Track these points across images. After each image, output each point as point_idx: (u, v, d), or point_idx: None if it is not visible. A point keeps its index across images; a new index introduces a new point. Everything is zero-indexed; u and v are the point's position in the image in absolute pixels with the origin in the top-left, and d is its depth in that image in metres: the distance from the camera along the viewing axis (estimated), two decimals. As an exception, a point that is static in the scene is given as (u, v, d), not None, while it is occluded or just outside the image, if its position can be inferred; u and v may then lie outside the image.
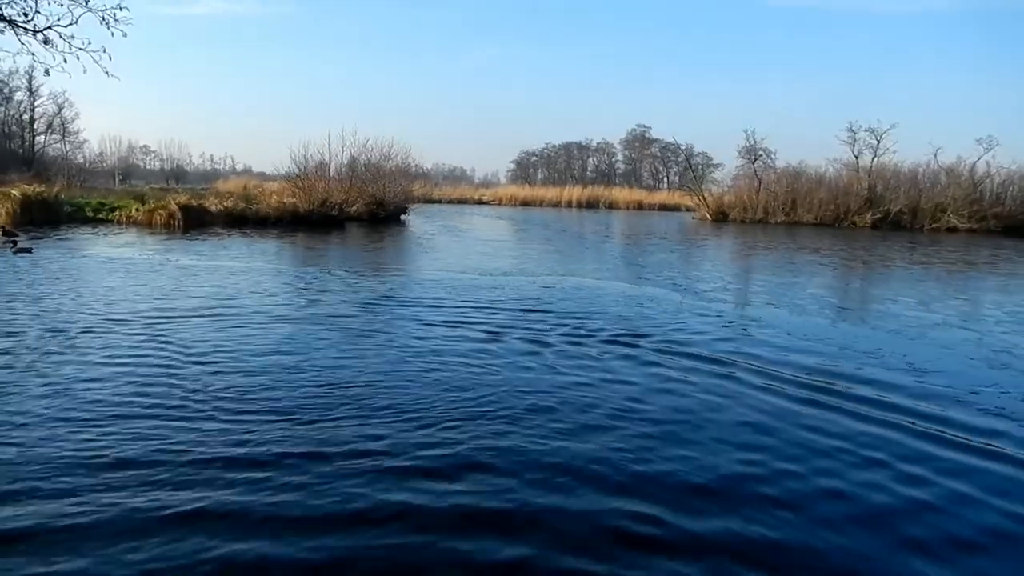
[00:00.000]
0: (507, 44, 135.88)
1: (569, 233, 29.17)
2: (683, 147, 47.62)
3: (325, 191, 29.64)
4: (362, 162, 31.81)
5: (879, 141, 45.16)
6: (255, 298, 10.03)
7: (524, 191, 75.04)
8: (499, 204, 70.16)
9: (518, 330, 8.38)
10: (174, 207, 26.09)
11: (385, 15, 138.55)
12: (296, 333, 7.89)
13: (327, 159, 30.41)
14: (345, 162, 31.16)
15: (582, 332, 8.40)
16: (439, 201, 69.81)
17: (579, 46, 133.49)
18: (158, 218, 25.97)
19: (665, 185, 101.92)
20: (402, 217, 36.40)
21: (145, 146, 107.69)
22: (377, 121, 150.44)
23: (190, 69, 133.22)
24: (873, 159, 45.61)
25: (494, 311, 9.62)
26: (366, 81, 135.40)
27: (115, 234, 22.04)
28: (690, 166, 48.70)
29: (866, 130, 45.65)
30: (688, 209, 67.61)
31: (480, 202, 72.20)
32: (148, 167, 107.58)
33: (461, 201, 71.88)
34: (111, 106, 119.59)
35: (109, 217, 27.81)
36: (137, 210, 27.18)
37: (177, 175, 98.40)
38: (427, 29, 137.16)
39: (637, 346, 7.77)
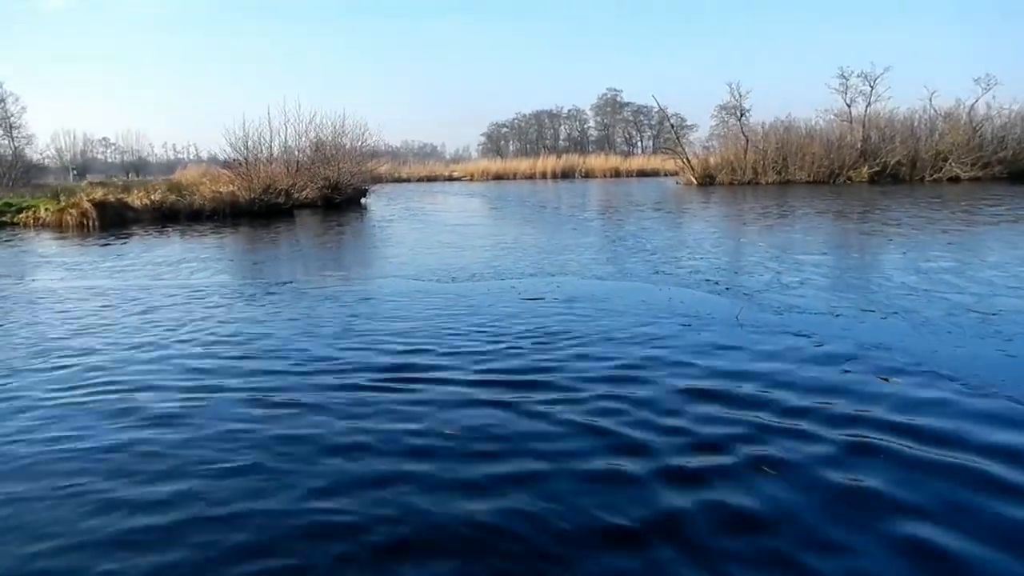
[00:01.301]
0: (471, 12, 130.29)
1: (548, 210, 25.33)
2: (662, 108, 43.33)
3: (268, 176, 25.55)
4: (308, 140, 27.58)
5: (872, 87, 41.62)
6: (86, 340, 6.19)
7: (496, 164, 70.96)
8: (471, 180, 66.09)
9: (516, 412, 4.57)
10: (86, 205, 21.95)
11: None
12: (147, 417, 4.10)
13: (269, 139, 26.21)
14: (291, 142, 26.96)
15: (632, 406, 4.60)
16: (408, 180, 65.69)
17: (542, 12, 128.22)
18: (69, 218, 21.86)
19: (639, 150, 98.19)
20: (362, 201, 32.38)
21: (104, 138, 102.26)
22: (341, 100, 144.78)
23: (148, 57, 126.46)
24: (867, 107, 42.00)
25: (460, 361, 5.78)
26: (328, 59, 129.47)
27: (5, 241, 17.93)
28: (671, 127, 44.61)
29: (858, 75, 42.01)
30: (669, 173, 64.03)
31: (451, 178, 68.12)
32: (110, 160, 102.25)
33: (431, 179, 67.73)
34: (68, 99, 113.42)
35: (15, 220, 23.64)
36: (47, 210, 23.03)
37: (137, 167, 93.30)
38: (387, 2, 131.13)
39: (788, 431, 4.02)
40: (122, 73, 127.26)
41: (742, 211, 22.48)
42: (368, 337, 6.59)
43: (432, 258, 12.50)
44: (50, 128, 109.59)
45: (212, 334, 6.87)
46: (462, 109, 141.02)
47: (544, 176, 65.36)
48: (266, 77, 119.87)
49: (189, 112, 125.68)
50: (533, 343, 6.24)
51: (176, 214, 23.69)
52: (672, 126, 44.57)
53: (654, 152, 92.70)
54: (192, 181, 27.06)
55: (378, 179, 64.47)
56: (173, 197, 24.39)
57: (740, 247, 13.04)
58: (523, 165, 68.65)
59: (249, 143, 25.51)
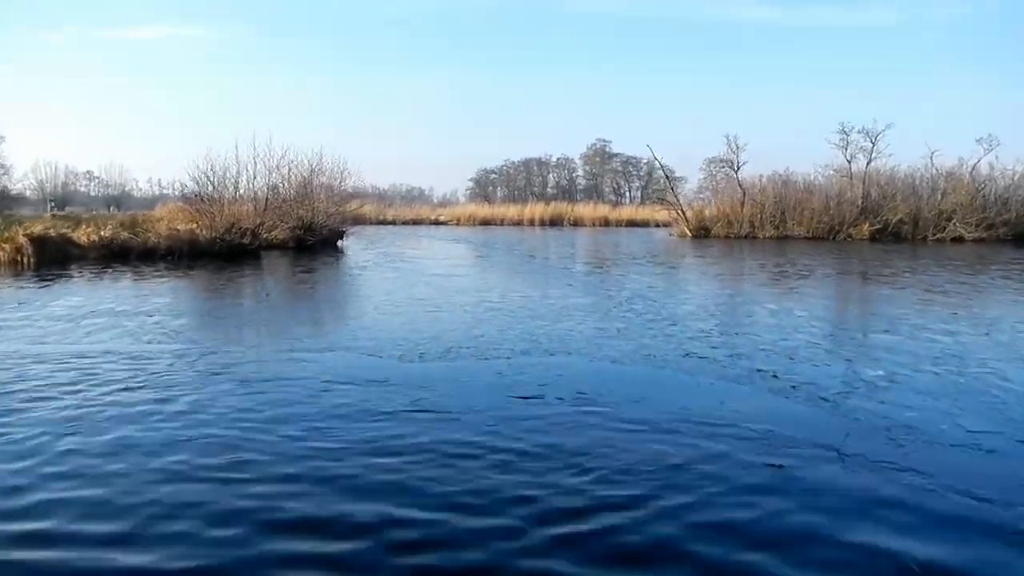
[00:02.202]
0: (464, 63, 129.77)
1: (538, 260, 22.98)
2: (657, 158, 41.52)
3: (233, 214, 23.08)
4: (280, 177, 25.19)
5: (874, 143, 39.97)
6: None
7: (483, 210, 68.96)
8: (457, 224, 63.90)
9: None
10: (22, 240, 19.38)
11: (340, 35, 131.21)
12: None
13: (235, 173, 23.80)
14: (259, 179, 24.57)
15: None
16: (393, 222, 63.46)
17: (536, 63, 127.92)
18: (1, 254, 19.26)
19: (628, 200, 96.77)
20: (339, 243, 29.93)
21: (88, 171, 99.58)
22: (330, 141, 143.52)
23: (139, 95, 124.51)
24: (868, 163, 40.30)
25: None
26: (321, 104, 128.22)
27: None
28: (665, 176, 42.75)
29: (859, 131, 40.36)
30: (659, 224, 62.19)
31: (437, 222, 65.88)
32: (93, 193, 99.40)
33: (417, 222, 65.50)
34: (50, 131, 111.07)
35: (-52, 254, 21.00)
36: (-21, 245, 20.43)
37: (119, 201, 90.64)
38: (383, 52, 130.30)
39: None
40: (111, 105, 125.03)
41: (753, 268, 20.24)
42: (249, 478, 4.09)
43: (400, 321, 10.03)
44: (32, 158, 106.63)
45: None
46: (451, 157, 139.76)
47: (532, 223, 63.33)
48: (256, 115, 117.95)
49: (177, 147, 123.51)
50: (535, 496, 3.76)
51: (127, 253, 21.15)
52: (666, 176, 42.64)
53: (642, 202, 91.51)
54: (150, 218, 24.54)
55: (360, 220, 62.37)
56: (125, 234, 21.85)
57: (778, 318, 10.64)
58: (511, 211, 66.67)
59: (213, 177, 23.06)
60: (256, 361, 7.31)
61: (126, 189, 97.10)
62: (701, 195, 55.07)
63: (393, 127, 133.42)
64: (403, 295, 12.98)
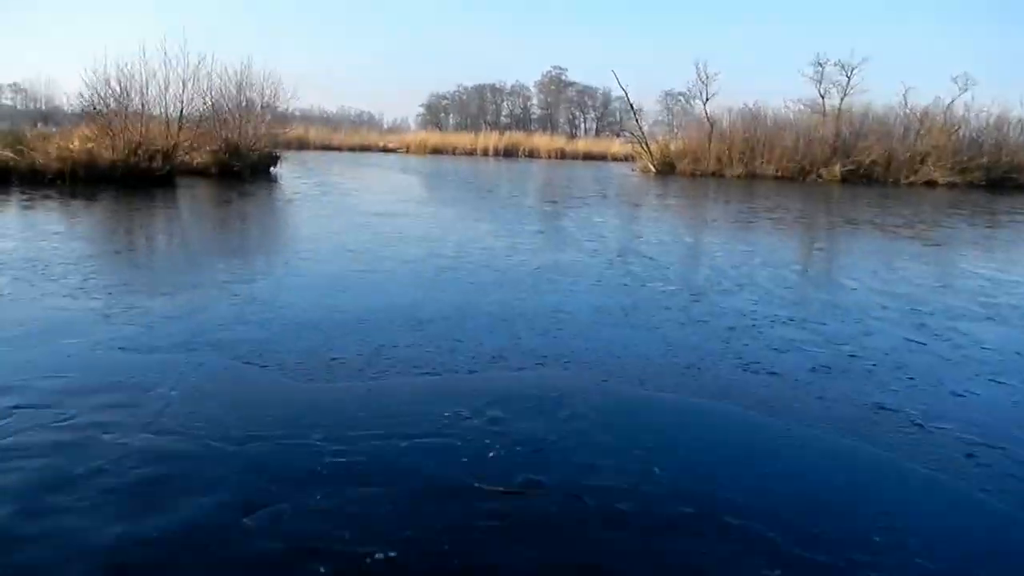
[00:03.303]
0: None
1: (497, 197, 19.91)
2: (622, 86, 38.25)
3: (141, 133, 19.36)
4: (197, 90, 21.32)
5: (849, 77, 37.32)
6: None
7: (435, 137, 64.79)
8: (407, 152, 59.90)
9: None
10: None
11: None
12: None
13: (143, 82, 19.88)
14: (173, 93, 20.68)
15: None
16: (339, 149, 59.16)
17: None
18: None
19: (582, 132, 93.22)
20: (272, 170, 26.29)
21: (14, 83, 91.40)
22: (270, 61, 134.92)
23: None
24: (841, 99, 37.74)
25: None
26: (262, 12, 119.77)
27: None
28: (632, 108, 39.58)
29: (835, 64, 37.62)
30: (616, 158, 59.37)
31: (386, 149, 61.67)
32: (20, 107, 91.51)
33: (365, 148, 61.12)
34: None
35: None
36: None
37: (46, 116, 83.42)
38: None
39: None
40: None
41: (747, 213, 17.57)
42: None
43: (316, 294, 7.04)
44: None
45: None
46: (402, 81, 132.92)
47: (486, 153, 59.66)
48: (201, 32, 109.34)
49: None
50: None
51: (7, 176, 17.48)
52: (631, 106, 39.42)
53: (597, 134, 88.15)
54: (43, 135, 20.57)
55: (304, 146, 58.21)
56: (8, 153, 18.09)
57: (839, 291, 7.98)
58: (463, 140, 62.70)
59: (115, 85, 19.17)
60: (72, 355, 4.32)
61: (56, 104, 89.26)
62: (655, 128, 52.21)
63: (340, 45, 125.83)
64: (330, 245, 9.92)
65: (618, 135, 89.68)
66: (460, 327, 5.81)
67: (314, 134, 60.84)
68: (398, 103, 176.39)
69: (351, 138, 64.15)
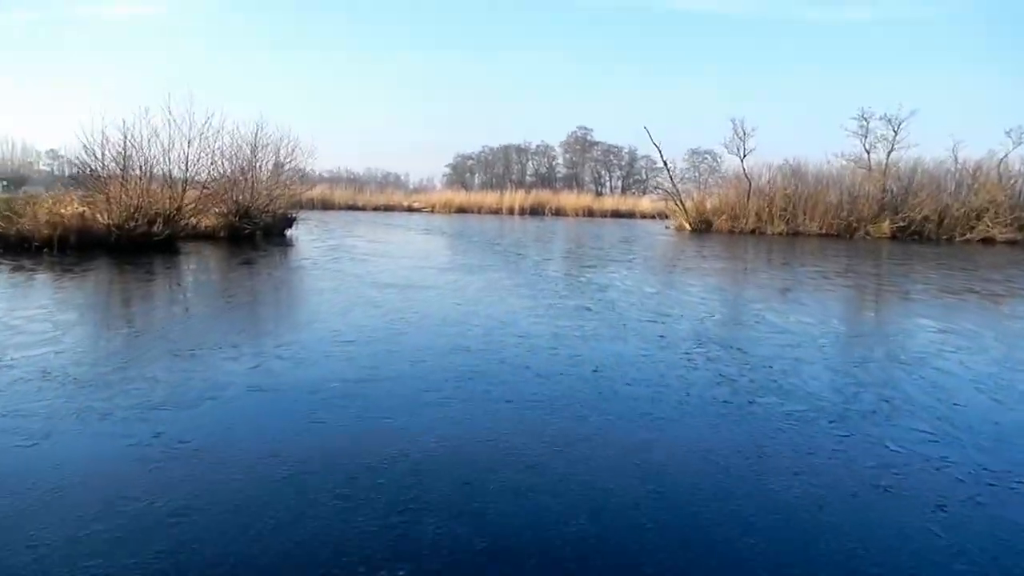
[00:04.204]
0: (437, 45, 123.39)
1: (526, 260, 17.66)
2: (655, 143, 36.21)
3: (140, 196, 17.50)
4: (205, 151, 19.52)
5: (896, 131, 35.00)
6: None
7: (460, 197, 63.38)
8: (432, 211, 58.36)
9: None
10: None
11: (303, 18, 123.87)
12: None
13: (144, 143, 18.07)
14: (178, 153, 18.88)
15: None
16: (363, 208, 57.78)
17: (514, 48, 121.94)
18: None
19: (608, 190, 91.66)
20: (288, 232, 24.44)
21: (52, 150, 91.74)
22: (298, 126, 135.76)
23: (112, 72, 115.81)
24: (889, 153, 35.41)
25: None
26: (293, 83, 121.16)
27: None
28: (665, 165, 37.56)
29: (880, 118, 35.42)
30: (645, 216, 57.38)
31: (411, 209, 60.24)
32: (57, 172, 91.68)
33: (389, 208, 59.70)
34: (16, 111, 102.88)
35: None
36: None
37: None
38: (357, 28, 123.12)
39: None
40: (81, 87, 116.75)
41: (819, 278, 15.12)
42: None
43: (284, 423, 4.73)
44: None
45: None
46: (429, 140, 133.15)
47: (511, 212, 58.00)
48: (219, 93, 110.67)
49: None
50: None
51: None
52: (665, 162, 37.40)
53: (623, 192, 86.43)
54: (33, 199, 18.79)
55: (328, 206, 56.89)
56: (-7, 221, 16.30)
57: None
58: (489, 199, 61.16)
59: (109, 147, 17.38)
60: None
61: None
62: (682, 186, 49.99)
63: (367, 110, 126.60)
64: (323, 334, 7.64)
65: (644, 192, 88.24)
66: (494, 447, 3.48)
67: (339, 194, 59.64)
68: (424, 163, 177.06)
69: (376, 198, 62.84)
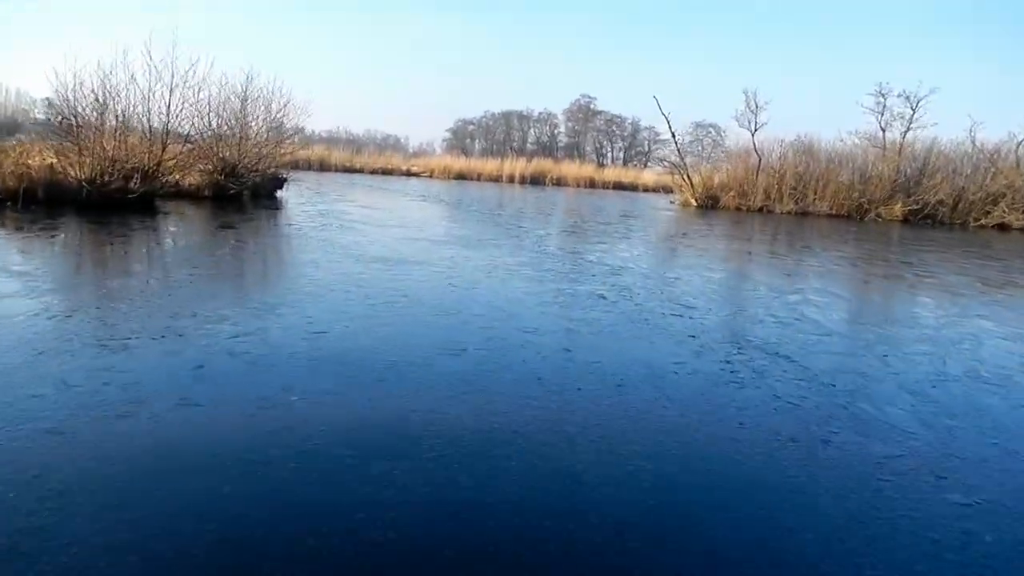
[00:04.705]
0: (447, 10, 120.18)
1: (529, 234, 16.30)
2: (664, 113, 34.55)
3: (116, 148, 16.06)
4: (188, 101, 17.96)
5: (914, 110, 33.47)
6: None
7: (460, 163, 61.56)
8: (431, 177, 56.73)
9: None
10: None
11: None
12: None
13: (123, 91, 16.55)
14: (159, 102, 17.34)
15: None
16: (360, 171, 56.13)
17: (518, 9, 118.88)
18: None
19: (609, 161, 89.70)
20: (277, 194, 23.03)
21: (47, 99, 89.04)
22: (302, 85, 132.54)
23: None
24: (904, 133, 33.94)
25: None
26: (294, 47, 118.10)
27: None
28: (674, 137, 36.00)
29: (899, 95, 33.87)
30: (646, 188, 55.94)
31: (409, 173, 58.56)
32: (55, 122, 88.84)
33: (387, 172, 57.98)
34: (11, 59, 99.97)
35: None
36: None
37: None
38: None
39: None
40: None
41: (853, 266, 13.85)
42: None
43: (232, 448, 3.47)
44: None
45: None
46: (430, 104, 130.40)
47: (511, 180, 56.30)
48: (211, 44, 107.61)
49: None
50: None
51: (-50, 198, 14.33)
52: (674, 136, 35.84)
53: (624, 164, 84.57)
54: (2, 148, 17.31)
55: (325, 167, 55.18)
56: (-49, 170, 14.89)
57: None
58: (489, 166, 59.37)
59: (84, 93, 15.87)
60: None
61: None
62: (667, 160, 48.17)
63: (366, 71, 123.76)
64: (294, 321, 6.33)
65: (646, 165, 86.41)
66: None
67: (336, 156, 57.90)
68: (424, 127, 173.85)
69: (374, 161, 61.03)
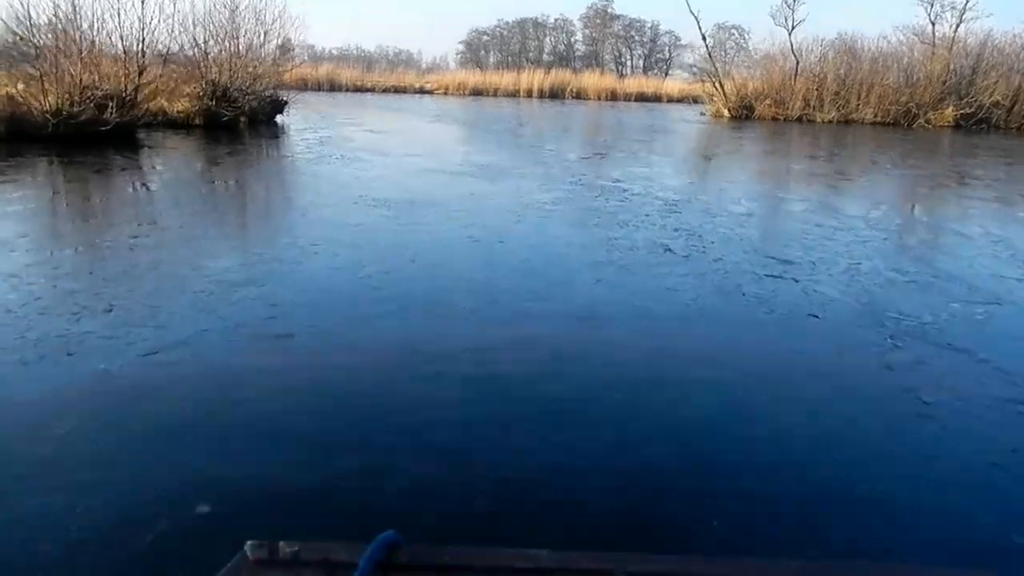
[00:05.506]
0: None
1: (558, 158, 14.09)
2: (693, 13, 31.27)
3: (86, 74, 13.86)
4: (169, 15, 15.54)
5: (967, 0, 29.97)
6: None
7: (475, 77, 58.20)
8: (445, 94, 53.65)
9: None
10: None
11: None
12: None
13: (88, 6, 14.20)
14: (139, 14, 14.95)
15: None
16: (372, 90, 53.15)
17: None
18: None
19: (629, 69, 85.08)
20: (278, 119, 20.79)
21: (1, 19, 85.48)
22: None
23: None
24: (956, 27, 30.55)
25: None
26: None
27: None
28: (704, 41, 32.82)
29: (950, -18, 30.33)
30: (671, 99, 52.62)
31: (423, 91, 55.42)
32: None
33: (400, 90, 54.80)
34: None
35: None
36: None
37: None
38: None
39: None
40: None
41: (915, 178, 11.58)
42: None
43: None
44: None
45: None
46: (443, 12, 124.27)
47: (529, 94, 53.06)
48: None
49: None
50: None
51: None
52: (705, 39, 32.67)
53: (644, 72, 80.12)
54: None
55: (335, 87, 52.16)
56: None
57: None
58: (505, 80, 55.91)
59: (39, 11, 13.55)
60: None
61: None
62: (707, 66, 44.75)
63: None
64: (266, 299, 4.41)
65: (667, 73, 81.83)
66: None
67: (347, 75, 54.77)
68: (438, 40, 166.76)
69: (386, 79, 57.73)
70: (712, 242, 6.76)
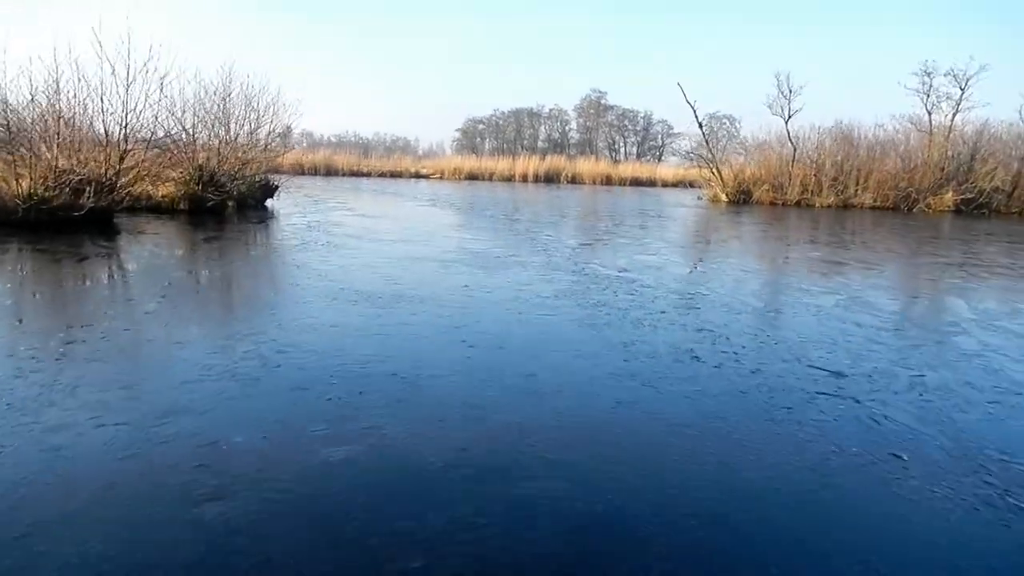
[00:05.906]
0: (454, 12, 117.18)
1: (557, 246, 13.33)
2: (690, 102, 31.32)
3: (63, 158, 13.16)
4: (155, 100, 14.99)
5: (963, 89, 30.11)
6: None
7: (470, 162, 58.53)
8: (441, 178, 53.80)
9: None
10: None
11: None
12: None
13: (75, 89, 13.64)
14: (117, 101, 14.39)
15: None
16: (368, 174, 53.32)
17: (526, 10, 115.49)
18: None
19: (622, 156, 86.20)
20: (269, 203, 20.17)
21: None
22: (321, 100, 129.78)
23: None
24: (953, 115, 30.61)
25: None
26: (304, 55, 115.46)
27: None
28: (700, 128, 32.79)
29: (946, 74, 30.53)
30: (666, 184, 52.92)
31: (419, 175, 55.60)
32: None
33: (396, 175, 54.93)
34: None
35: None
36: None
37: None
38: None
39: None
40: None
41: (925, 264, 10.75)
42: None
43: None
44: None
45: None
46: (439, 104, 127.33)
47: (524, 179, 53.22)
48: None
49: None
50: None
51: None
52: (701, 125, 32.63)
53: (638, 159, 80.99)
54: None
55: (331, 171, 52.28)
56: None
57: None
58: (500, 165, 56.20)
59: (22, 92, 12.98)
60: None
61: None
62: (696, 152, 44.85)
63: (382, 75, 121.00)
64: (234, 426, 3.40)
65: (659, 159, 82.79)
66: None
67: (343, 160, 55.05)
68: (434, 128, 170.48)
69: (383, 164, 58.06)
70: (743, 347, 5.80)
